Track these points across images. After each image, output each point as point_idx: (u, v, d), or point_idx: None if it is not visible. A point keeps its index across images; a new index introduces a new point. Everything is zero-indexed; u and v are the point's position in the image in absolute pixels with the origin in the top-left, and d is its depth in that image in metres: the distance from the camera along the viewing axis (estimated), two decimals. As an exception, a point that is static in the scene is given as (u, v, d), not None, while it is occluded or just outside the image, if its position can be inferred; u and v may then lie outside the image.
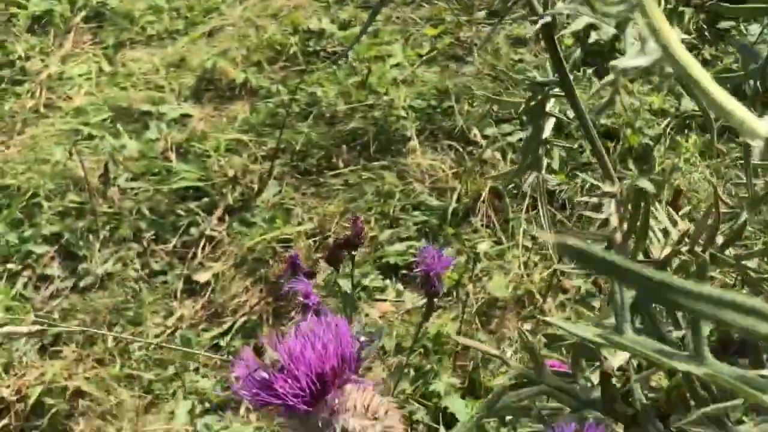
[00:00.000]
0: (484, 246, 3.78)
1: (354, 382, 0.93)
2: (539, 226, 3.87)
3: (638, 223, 1.86)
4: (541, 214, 2.10)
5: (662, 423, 1.59)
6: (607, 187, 2.00)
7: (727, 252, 2.10)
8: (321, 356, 0.91)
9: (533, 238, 3.83)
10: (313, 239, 3.85)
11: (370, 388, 0.93)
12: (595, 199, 2.01)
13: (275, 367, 0.92)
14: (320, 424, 0.91)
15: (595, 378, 1.81)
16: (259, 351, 0.92)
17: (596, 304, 3.60)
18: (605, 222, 1.97)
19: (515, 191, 3.97)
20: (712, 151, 4.10)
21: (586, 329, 0.83)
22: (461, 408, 3.08)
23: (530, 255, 3.73)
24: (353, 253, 1.92)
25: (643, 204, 1.87)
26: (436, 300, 1.97)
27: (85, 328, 3.32)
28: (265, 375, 0.93)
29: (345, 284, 2.20)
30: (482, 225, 3.86)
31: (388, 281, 3.69)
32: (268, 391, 0.90)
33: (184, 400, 3.24)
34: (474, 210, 3.91)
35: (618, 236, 1.91)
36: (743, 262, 2.13)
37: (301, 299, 1.80)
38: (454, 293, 3.64)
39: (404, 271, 3.72)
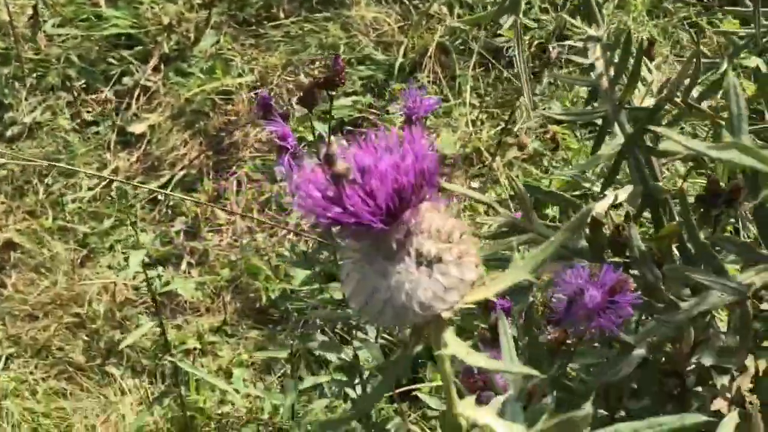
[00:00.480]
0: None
1: (430, 200, 0.82)
2: (486, 83, 3.79)
3: (629, 68, 1.78)
4: (517, 62, 2.00)
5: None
6: (592, 31, 1.91)
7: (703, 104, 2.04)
8: (398, 169, 0.80)
9: (480, 95, 3.75)
10: (254, 92, 3.70)
11: (443, 208, 0.83)
12: (579, 44, 1.92)
13: (343, 181, 0.80)
14: (394, 247, 0.80)
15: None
16: (329, 161, 0.80)
17: (546, 162, 3.56)
18: (590, 68, 1.89)
19: (462, 47, 3.86)
20: (659, 10, 4.04)
21: (701, 143, 0.76)
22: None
23: (477, 113, 3.65)
24: (332, 93, 1.81)
25: (634, 47, 1.79)
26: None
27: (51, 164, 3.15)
28: (330, 191, 0.80)
29: (320, 127, 2.09)
30: (429, 81, 3.76)
31: (332, 137, 3.57)
32: (338, 209, 0.78)
33: (132, 252, 3.12)
34: (420, 66, 3.80)
35: (604, 82, 1.83)
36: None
37: (278, 142, 1.69)
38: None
39: (349, 127, 3.62)
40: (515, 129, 3.57)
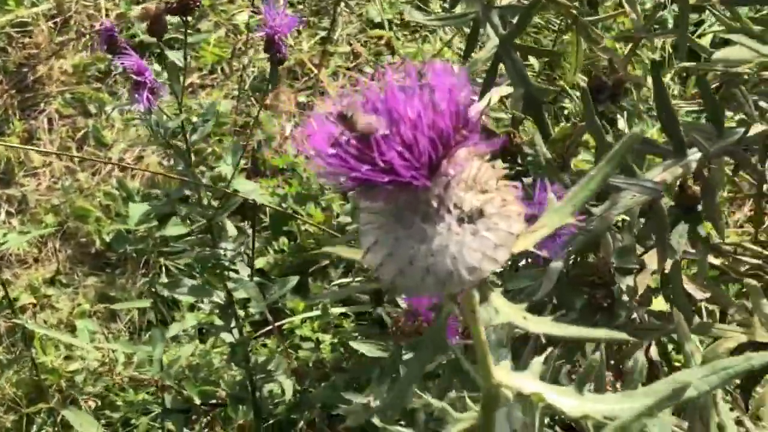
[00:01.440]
0: (243, 17, 3.51)
1: (468, 146, 0.69)
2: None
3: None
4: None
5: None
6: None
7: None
8: (436, 113, 0.67)
9: (293, 4, 3.60)
10: (53, 21, 3.42)
11: (475, 152, 0.70)
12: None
13: (369, 130, 0.66)
14: (435, 204, 0.67)
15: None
16: (347, 119, 0.66)
17: (369, 69, 3.47)
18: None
19: (269, -45, 3.67)
20: None
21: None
22: (250, 187, 2.88)
23: (294, 23, 3.50)
24: (188, 19, 1.65)
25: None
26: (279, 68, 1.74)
27: None
28: (352, 145, 0.67)
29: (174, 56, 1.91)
30: (238, -8, 3.58)
31: (145, 58, 3.35)
32: (367, 167, 0.65)
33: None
34: (227, -23, 3.60)
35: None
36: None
37: (134, 77, 1.52)
38: (219, 69, 3.39)
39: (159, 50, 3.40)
40: (335, 36, 3.45)
